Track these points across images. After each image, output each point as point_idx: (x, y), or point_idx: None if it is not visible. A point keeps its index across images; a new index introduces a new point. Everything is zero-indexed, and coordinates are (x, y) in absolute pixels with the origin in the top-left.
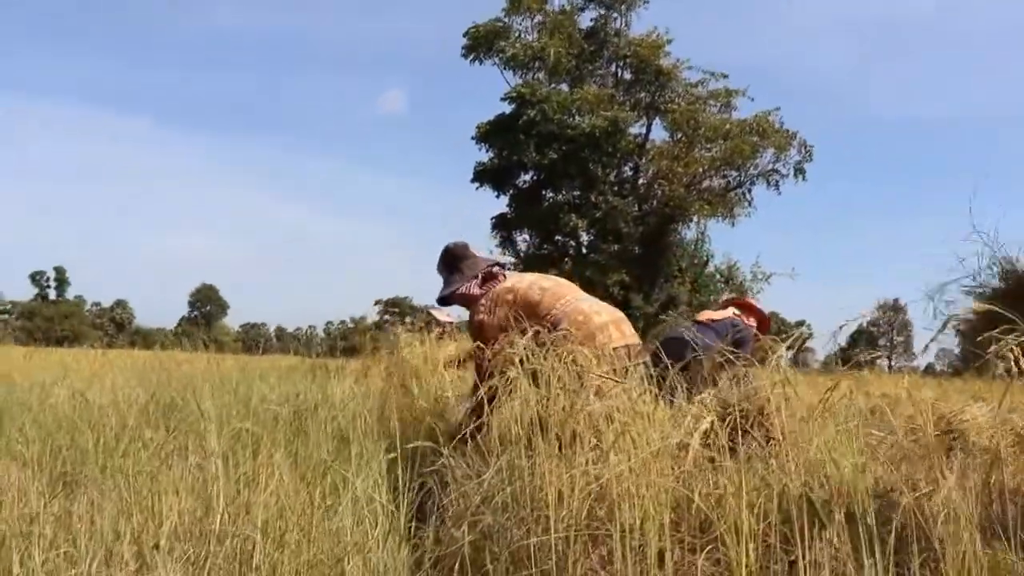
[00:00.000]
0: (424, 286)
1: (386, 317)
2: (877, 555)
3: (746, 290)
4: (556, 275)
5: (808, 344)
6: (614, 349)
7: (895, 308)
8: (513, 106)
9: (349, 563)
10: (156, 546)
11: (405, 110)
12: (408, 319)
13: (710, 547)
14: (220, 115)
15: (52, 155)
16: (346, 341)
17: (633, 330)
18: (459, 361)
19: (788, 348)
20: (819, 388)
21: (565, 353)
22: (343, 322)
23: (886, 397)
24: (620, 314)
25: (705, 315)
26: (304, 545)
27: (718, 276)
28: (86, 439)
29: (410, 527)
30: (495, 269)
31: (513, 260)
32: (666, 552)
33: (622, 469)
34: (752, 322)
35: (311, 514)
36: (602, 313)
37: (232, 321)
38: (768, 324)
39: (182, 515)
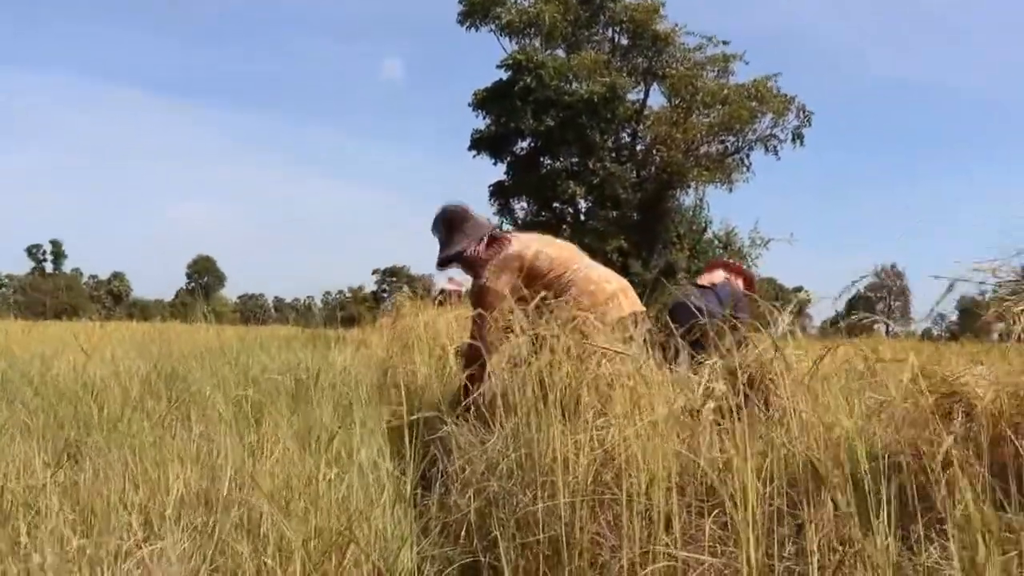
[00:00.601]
0: (422, 255)
1: (384, 286)
2: (883, 516)
3: (745, 255)
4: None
5: (806, 310)
6: (620, 319)
7: (893, 273)
8: (509, 73)
9: (356, 530)
10: (163, 515)
11: (403, 78)
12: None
13: (717, 511)
14: (216, 85)
15: (45, 127)
16: (344, 311)
17: (637, 297)
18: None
19: (788, 314)
20: (814, 345)
21: (572, 319)
22: (341, 292)
23: (884, 361)
24: (626, 282)
25: (705, 279)
26: (312, 513)
27: (716, 242)
28: (90, 409)
29: (415, 494)
30: (498, 233)
31: (511, 228)
32: (673, 516)
33: (628, 433)
34: (741, 283)
35: (316, 483)
36: (611, 281)
37: (230, 292)
38: (754, 285)
39: (188, 483)
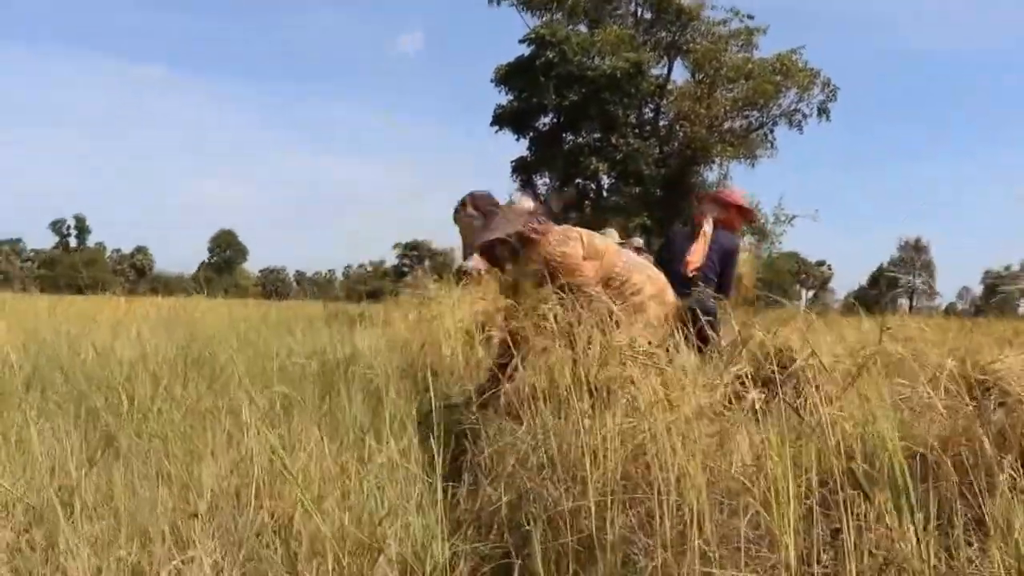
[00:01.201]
0: (443, 228)
1: (405, 261)
2: (919, 524)
3: (768, 233)
4: (575, 221)
5: (829, 284)
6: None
7: (917, 247)
8: (532, 48)
9: (388, 528)
10: (195, 515)
11: (423, 51)
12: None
13: (752, 513)
14: (236, 60)
15: (68, 105)
16: (365, 285)
17: (672, 295)
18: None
19: (808, 290)
20: (838, 323)
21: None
22: (361, 265)
23: (911, 341)
24: (663, 280)
25: (699, 221)
26: (343, 514)
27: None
28: (119, 397)
29: (446, 488)
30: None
31: (534, 204)
32: (705, 515)
33: (659, 429)
34: (734, 215)
35: (347, 482)
36: (647, 283)
37: (252, 266)
38: (749, 211)
39: (220, 480)
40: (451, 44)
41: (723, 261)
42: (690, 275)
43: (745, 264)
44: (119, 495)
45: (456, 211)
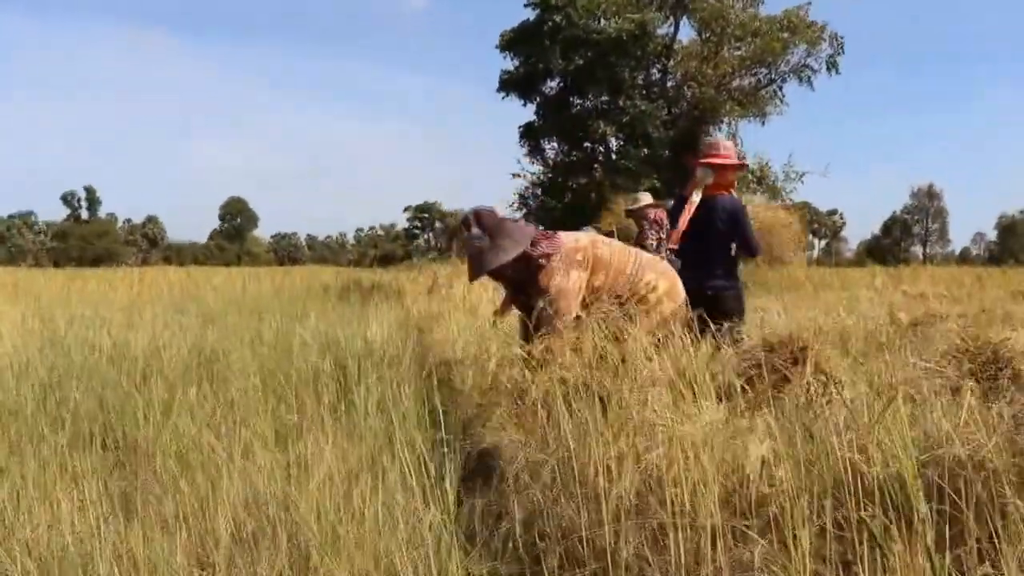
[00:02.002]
0: (452, 189)
1: (416, 223)
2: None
3: (779, 189)
4: (585, 185)
5: (841, 233)
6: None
7: (930, 194)
8: (537, 12)
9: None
10: (212, 566)
11: (428, 7)
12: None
13: (767, 536)
14: (239, 22)
15: (72, 72)
16: (377, 249)
17: (682, 290)
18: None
19: (820, 240)
20: (851, 280)
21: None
22: (373, 228)
23: (923, 298)
24: (674, 276)
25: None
26: (358, 552)
27: (750, 176)
28: (134, 405)
29: (459, 495)
30: (542, 229)
31: (542, 168)
32: (719, 535)
33: (673, 451)
34: (730, 172)
35: (362, 506)
36: (660, 281)
37: (263, 231)
38: (739, 164)
39: (236, 508)
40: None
41: (733, 225)
42: (696, 252)
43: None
44: (136, 545)
45: (459, 231)
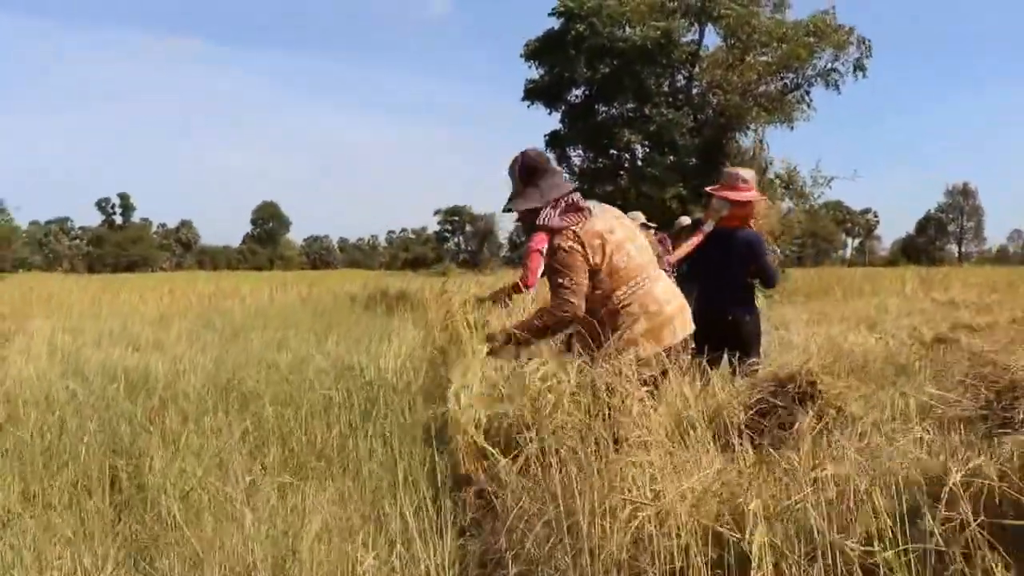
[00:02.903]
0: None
1: (447, 227)
2: None
3: (807, 194)
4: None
5: (876, 232)
6: (670, 347)
7: (964, 192)
8: (561, 21)
9: None
10: None
11: (452, 12)
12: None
13: None
14: (271, 30)
15: (106, 83)
16: (407, 252)
17: (690, 317)
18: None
19: (854, 239)
20: (882, 285)
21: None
22: (404, 230)
23: (953, 305)
24: (683, 300)
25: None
26: None
27: (778, 182)
28: (146, 442)
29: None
30: (577, 199)
31: (568, 176)
32: None
33: (665, 509)
34: (747, 205)
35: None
36: (672, 301)
37: (296, 234)
38: (749, 205)
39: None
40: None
41: (752, 258)
42: (715, 282)
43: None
44: None
45: (509, 167)
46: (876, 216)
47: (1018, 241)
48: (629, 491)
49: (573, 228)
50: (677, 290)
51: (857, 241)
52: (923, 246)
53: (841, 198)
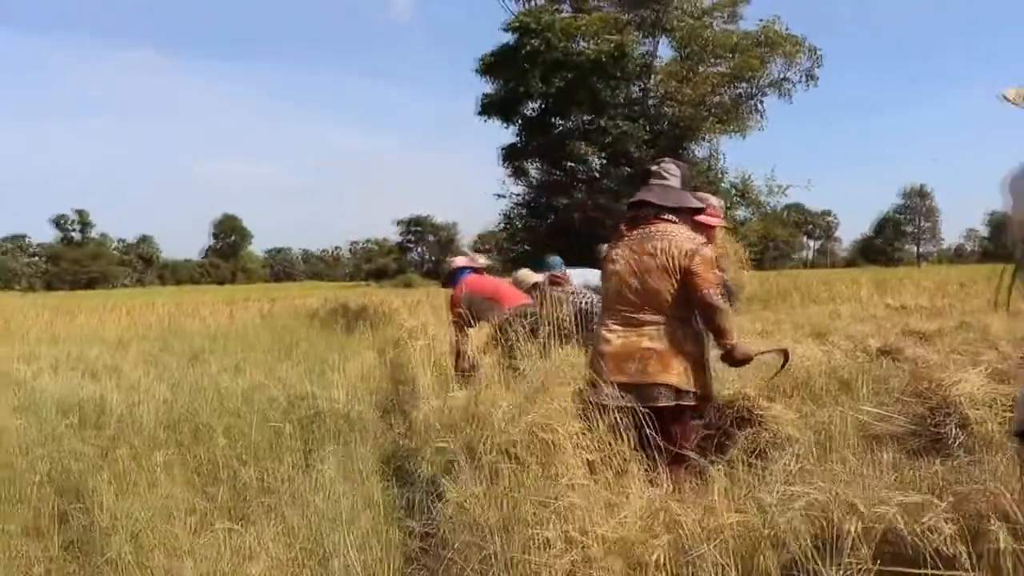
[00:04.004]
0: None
1: (409, 237)
2: None
3: (763, 203)
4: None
5: (835, 234)
6: None
7: (921, 194)
8: (516, 36)
9: None
10: None
11: (413, 20)
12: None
13: None
14: (225, 38)
15: (60, 92)
16: (371, 263)
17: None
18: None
19: (813, 240)
20: (839, 291)
21: None
22: (367, 241)
23: (904, 310)
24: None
25: None
26: None
27: (733, 191)
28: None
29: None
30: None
31: (526, 189)
32: None
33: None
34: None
35: None
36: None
37: (258, 247)
38: (712, 231)
39: None
40: (441, 10)
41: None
42: None
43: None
44: None
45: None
46: (835, 218)
47: (974, 240)
48: (563, 524)
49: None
50: None
51: (818, 243)
52: (881, 247)
53: (801, 201)
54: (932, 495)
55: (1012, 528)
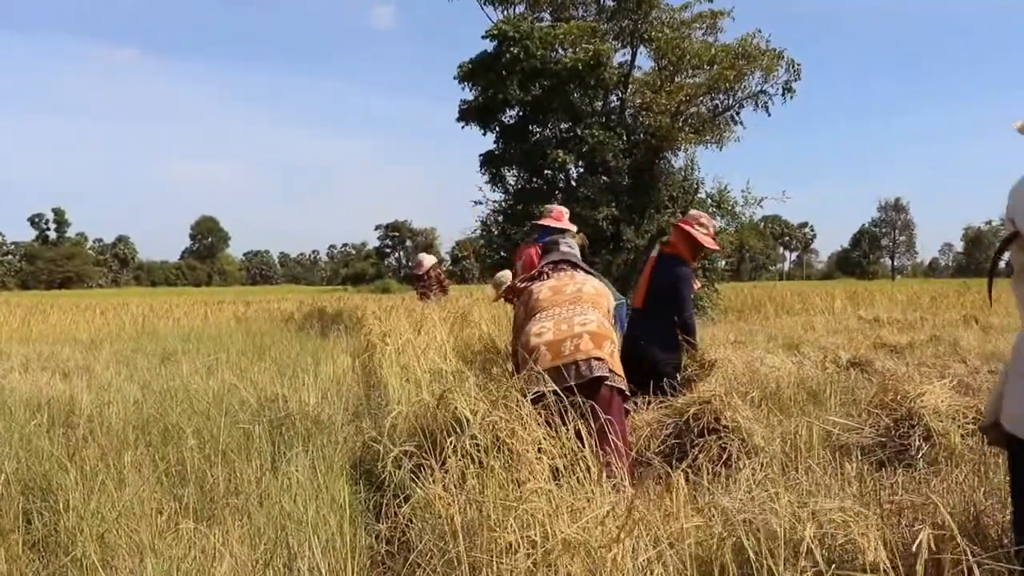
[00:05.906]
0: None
1: (387, 241)
2: None
3: (738, 215)
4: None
5: (813, 246)
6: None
7: (897, 207)
8: (495, 43)
9: None
10: None
11: (395, 25)
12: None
13: None
14: (209, 40)
15: (39, 91)
16: (348, 268)
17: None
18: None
19: (792, 252)
20: (813, 302)
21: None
22: (345, 245)
23: (876, 323)
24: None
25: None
26: None
27: (709, 202)
28: (63, 480)
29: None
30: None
31: (504, 196)
32: None
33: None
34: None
35: None
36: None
37: (236, 249)
38: (702, 248)
39: None
40: (423, 16)
41: (663, 290)
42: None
43: None
44: None
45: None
46: (813, 230)
47: (949, 254)
48: (524, 530)
49: None
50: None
51: (795, 255)
52: (857, 260)
53: (779, 212)
54: (876, 505)
55: (939, 536)
